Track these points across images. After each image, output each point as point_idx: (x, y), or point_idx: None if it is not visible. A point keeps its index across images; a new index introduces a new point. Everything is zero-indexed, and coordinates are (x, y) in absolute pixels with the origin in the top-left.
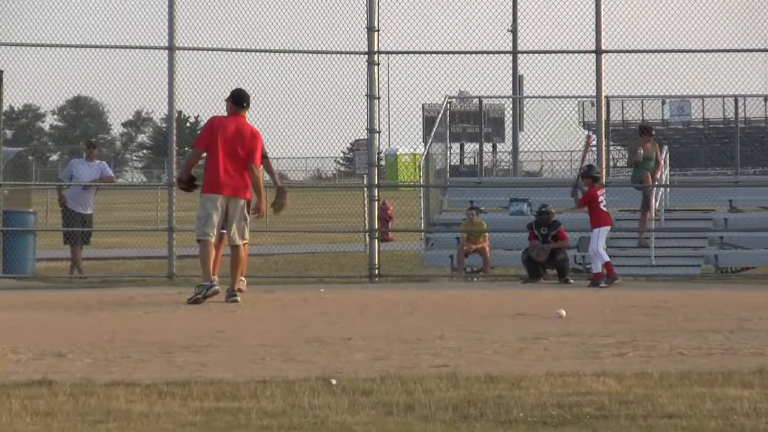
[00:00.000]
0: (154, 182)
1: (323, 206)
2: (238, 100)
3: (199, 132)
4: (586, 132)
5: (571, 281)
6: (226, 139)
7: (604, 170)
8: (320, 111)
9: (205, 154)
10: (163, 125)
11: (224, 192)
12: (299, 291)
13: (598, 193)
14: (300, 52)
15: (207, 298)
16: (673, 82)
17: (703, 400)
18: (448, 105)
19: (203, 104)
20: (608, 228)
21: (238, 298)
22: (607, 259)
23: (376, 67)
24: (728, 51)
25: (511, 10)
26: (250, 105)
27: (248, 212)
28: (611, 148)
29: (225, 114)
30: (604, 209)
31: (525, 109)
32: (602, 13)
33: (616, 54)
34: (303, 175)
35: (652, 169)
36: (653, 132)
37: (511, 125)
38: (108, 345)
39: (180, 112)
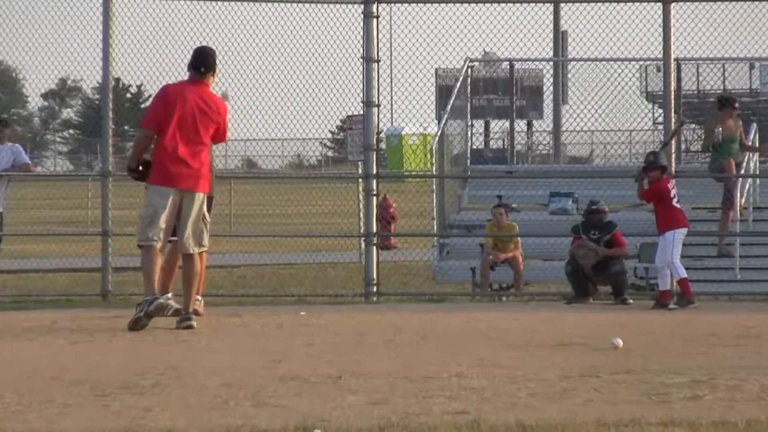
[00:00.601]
0: (84, 171)
1: (305, 203)
2: (199, 61)
3: (146, 106)
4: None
5: (630, 301)
6: (185, 116)
7: (673, 156)
8: (301, 78)
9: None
10: (96, 96)
11: (178, 185)
12: (273, 314)
13: (669, 185)
14: (275, 0)
15: (152, 317)
16: (764, 41)
17: None
18: (470, 70)
19: (148, 69)
20: (684, 231)
21: (194, 323)
22: (683, 274)
23: (375, 20)
24: None
25: None
26: (216, 69)
27: (209, 211)
28: (683, 126)
29: (182, 81)
30: (678, 206)
31: (570, 75)
32: None
33: (689, 3)
34: (279, 162)
35: (736, 154)
36: (737, 105)
37: (551, 97)
38: (24, 385)
39: (118, 80)
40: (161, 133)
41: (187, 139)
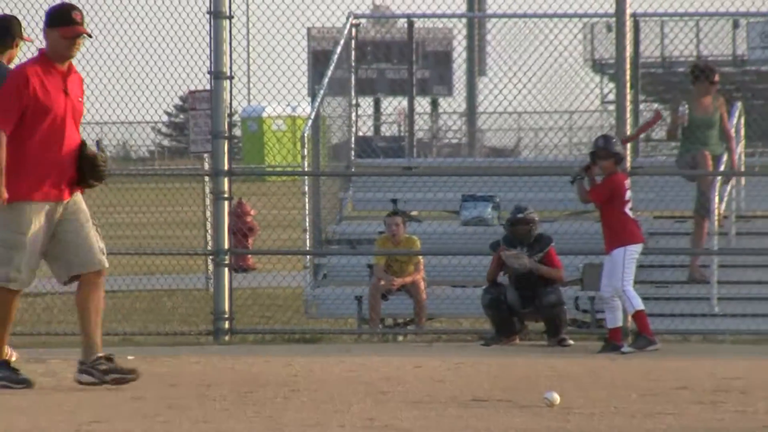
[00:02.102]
0: None
1: (133, 209)
2: (55, 20)
3: None
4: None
5: (570, 342)
6: (52, 105)
7: (628, 147)
8: (126, 41)
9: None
10: None
11: (52, 196)
12: None
13: (626, 185)
14: None
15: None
16: None
17: None
18: (354, 30)
19: None
20: (638, 247)
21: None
22: (639, 305)
23: None
24: None
25: None
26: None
27: None
28: (642, 105)
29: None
30: (631, 214)
31: (489, 37)
32: None
33: None
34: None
35: (714, 144)
36: (716, 78)
37: (463, 66)
38: None
39: None
40: (23, 133)
41: (61, 135)
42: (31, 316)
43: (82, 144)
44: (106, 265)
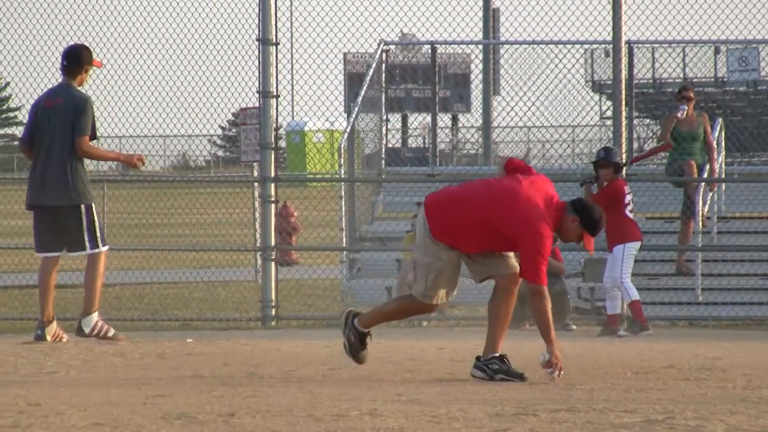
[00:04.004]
0: None
1: (191, 211)
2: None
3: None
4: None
5: (573, 327)
6: None
7: (624, 155)
8: (186, 65)
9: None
10: None
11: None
12: (154, 341)
13: (626, 190)
14: None
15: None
16: (731, 21)
17: None
18: (384, 55)
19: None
20: (637, 245)
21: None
22: (635, 295)
23: None
24: None
25: None
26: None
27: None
28: (636, 121)
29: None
30: (631, 216)
31: (502, 61)
32: None
33: None
34: (160, 163)
35: (698, 154)
36: (692, 95)
37: (480, 87)
38: None
39: None
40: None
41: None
42: (103, 304)
43: None
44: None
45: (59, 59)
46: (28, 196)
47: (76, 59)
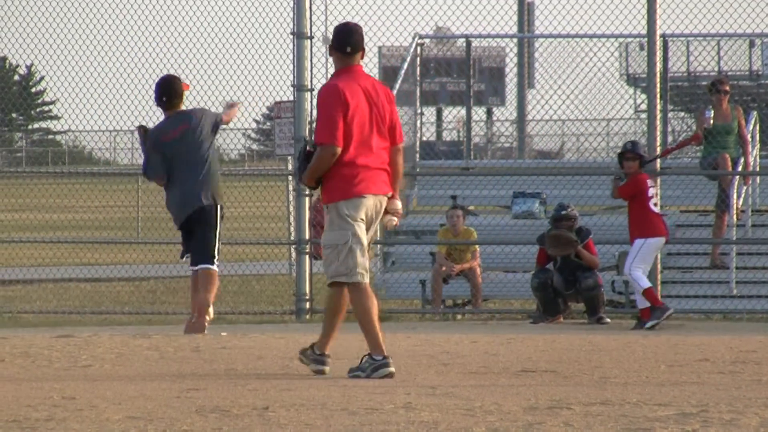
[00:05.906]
0: None
1: (225, 204)
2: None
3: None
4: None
5: (607, 320)
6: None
7: (658, 149)
8: (221, 58)
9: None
10: None
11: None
12: (189, 335)
13: (649, 183)
14: None
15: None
16: (766, 14)
17: None
18: (419, 49)
19: (42, 46)
20: (658, 241)
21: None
22: (646, 284)
23: None
24: None
25: None
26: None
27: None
28: (671, 114)
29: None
30: (656, 209)
31: (537, 55)
32: None
33: None
34: None
35: (731, 147)
36: (727, 87)
37: (515, 80)
38: None
39: (4, 59)
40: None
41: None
42: (137, 298)
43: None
44: None
45: (91, 55)
46: None
47: (173, 91)
